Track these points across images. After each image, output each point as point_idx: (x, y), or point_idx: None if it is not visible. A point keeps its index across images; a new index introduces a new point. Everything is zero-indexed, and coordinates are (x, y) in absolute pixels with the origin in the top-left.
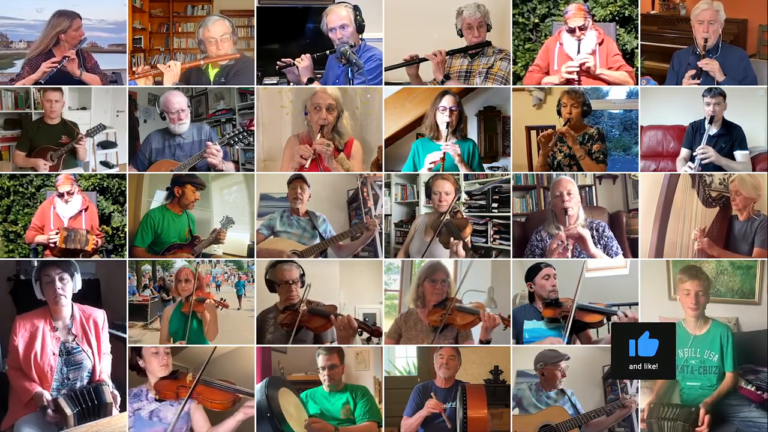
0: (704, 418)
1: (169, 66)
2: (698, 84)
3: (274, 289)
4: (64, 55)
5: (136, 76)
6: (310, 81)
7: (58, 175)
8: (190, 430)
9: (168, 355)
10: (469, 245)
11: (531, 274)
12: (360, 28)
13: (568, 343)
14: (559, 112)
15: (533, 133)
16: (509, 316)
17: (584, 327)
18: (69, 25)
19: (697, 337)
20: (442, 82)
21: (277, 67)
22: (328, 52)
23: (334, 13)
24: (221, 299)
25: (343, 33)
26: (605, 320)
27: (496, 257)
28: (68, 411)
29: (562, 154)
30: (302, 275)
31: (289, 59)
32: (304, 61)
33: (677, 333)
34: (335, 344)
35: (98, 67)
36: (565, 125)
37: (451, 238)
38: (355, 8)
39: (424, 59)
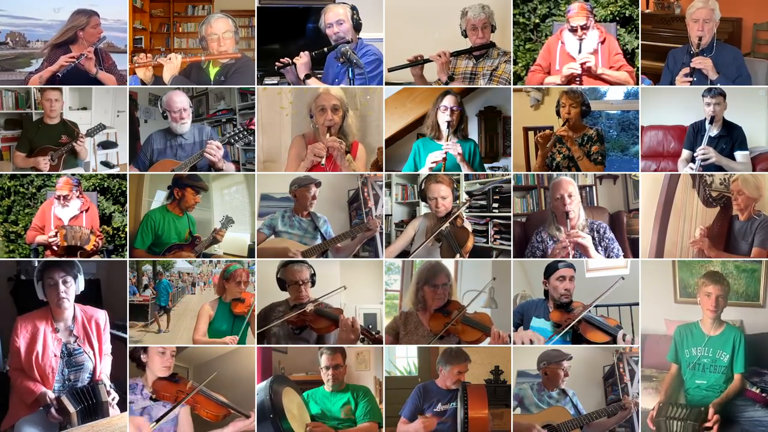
0: (713, 416)
1: (170, 59)
2: (691, 82)
3: (285, 288)
4: (81, 52)
5: (137, 65)
6: (308, 77)
7: (60, 176)
8: None
9: (173, 357)
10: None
11: (547, 273)
12: (357, 26)
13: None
14: (558, 113)
15: (531, 134)
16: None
17: (586, 342)
18: (87, 22)
19: (712, 338)
20: (447, 83)
21: (276, 67)
22: (326, 49)
23: (331, 11)
24: None
25: (339, 28)
26: (610, 342)
27: (496, 257)
28: (71, 408)
29: (561, 155)
30: (313, 275)
31: (288, 59)
32: (302, 58)
33: (693, 333)
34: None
35: (116, 67)
36: (564, 125)
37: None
38: (353, 8)
39: (429, 60)
